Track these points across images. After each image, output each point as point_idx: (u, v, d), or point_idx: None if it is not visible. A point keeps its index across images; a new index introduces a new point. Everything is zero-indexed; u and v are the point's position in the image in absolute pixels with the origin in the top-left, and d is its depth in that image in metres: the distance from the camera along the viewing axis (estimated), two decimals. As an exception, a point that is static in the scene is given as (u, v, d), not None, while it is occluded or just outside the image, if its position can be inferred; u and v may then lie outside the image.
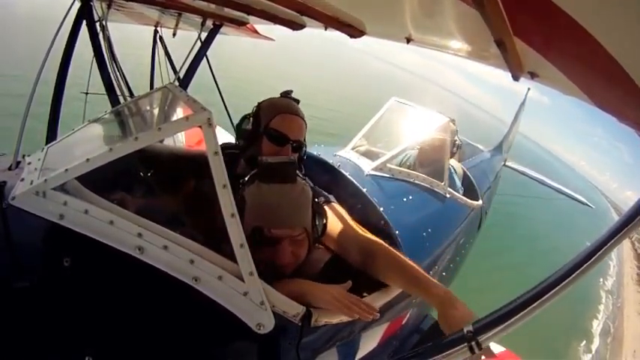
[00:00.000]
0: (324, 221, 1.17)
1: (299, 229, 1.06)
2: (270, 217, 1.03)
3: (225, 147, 1.43)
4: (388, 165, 2.06)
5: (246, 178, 1.09)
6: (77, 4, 2.12)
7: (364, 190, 1.72)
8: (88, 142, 1.22)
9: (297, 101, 1.48)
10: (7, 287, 0.79)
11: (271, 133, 1.36)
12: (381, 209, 1.66)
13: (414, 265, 1.18)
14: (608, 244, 0.83)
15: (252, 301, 0.84)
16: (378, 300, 1.26)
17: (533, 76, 1.13)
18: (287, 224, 1.04)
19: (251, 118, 1.44)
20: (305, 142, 1.45)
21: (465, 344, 0.93)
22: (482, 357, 0.88)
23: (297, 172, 1.10)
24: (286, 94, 1.47)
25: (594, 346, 6.95)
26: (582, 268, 0.84)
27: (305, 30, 2.02)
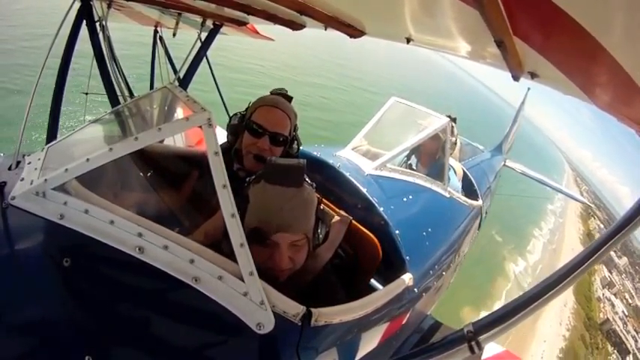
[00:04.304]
0: (327, 228, 1.15)
1: (300, 235, 1.04)
2: (272, 220, 1.00)
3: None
4: (388, 165, 2.06)
5: (253, 177, 1.07)
6: (77, 4, 2.13)
7: (364, 190, 1.72)
8: (88, 142, 1.22)
9: (289, 98, 1.48)
10: (7, 287, 0.79)
11: (250, 124, 1.38)
12: (381, 209, 1.66)
13: None
14: (607, 245, 0.83)
15: (252, 301, 0.84)
16: (378, 300, 1.26)
17: (533, 76, 1.13)
18: (288, 229, 1.01)
19: (239, 114, 1.47)
20: (292, 137, 1.44)
21: (465, 344, 0.94)
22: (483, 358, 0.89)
23: (305, 177, 1.06)
24: (278, 92, 1.48)
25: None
26: (581, 268, 0.85)
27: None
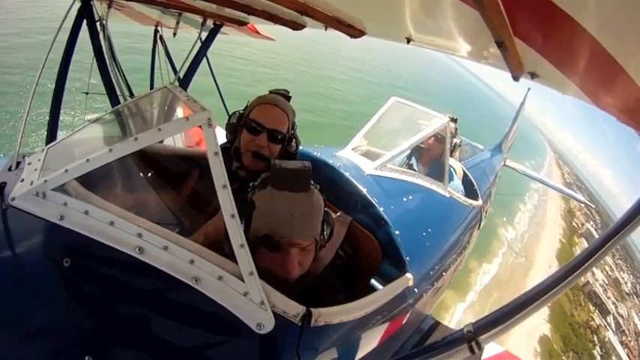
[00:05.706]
0: (331, 228, 1.14)
1: (310, 240, 1.03)
2: (283, 227, 0.98)
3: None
4: (388, 165, 2.05)
5: (257, 182, 1.05)
6: (77, 4, 2.13)
7: (364, 190, 1.72)
8: (88, 143, 1.22)
9: (288, 97, 1.47)
10: (7, 288, 0.80)
11: (248, 122, 1.38)
12: (381, 209, 1.66)
13: None
14: (606, 246, 0.83)
15: (252, 301, 0.84)
16: (378, 300, 1.26)
17: (533, 76, 1.13)
18: (300, 237, 1.00)
19: (237, 113, 1.47)
20: (290, 136, 1.43)
21: (465, 344, 0.94)
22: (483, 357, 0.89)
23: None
24: (277, 91, 1.48)
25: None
26: (581, 269, 0.85)
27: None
